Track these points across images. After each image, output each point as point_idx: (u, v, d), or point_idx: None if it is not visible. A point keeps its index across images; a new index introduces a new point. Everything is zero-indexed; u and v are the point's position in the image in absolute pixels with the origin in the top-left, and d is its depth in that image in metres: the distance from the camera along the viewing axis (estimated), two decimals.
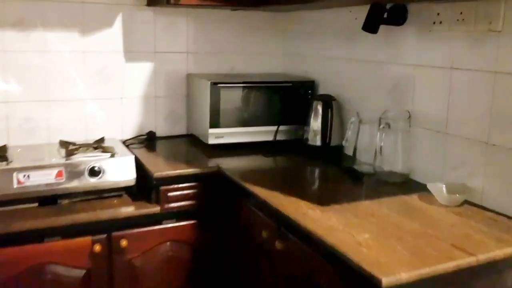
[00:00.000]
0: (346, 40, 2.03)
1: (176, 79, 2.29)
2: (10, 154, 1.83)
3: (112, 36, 2.13)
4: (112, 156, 1.89)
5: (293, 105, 2.18)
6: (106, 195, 1.85)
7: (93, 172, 1.81)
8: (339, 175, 1.78)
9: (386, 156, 1.64)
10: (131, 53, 2.18)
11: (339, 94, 2.07)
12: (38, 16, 1.99)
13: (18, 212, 1.68)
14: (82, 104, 2.13)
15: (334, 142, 2.02)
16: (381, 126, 1.61)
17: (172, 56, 2.27)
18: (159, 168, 1.82)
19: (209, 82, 2.02)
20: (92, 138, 2.10)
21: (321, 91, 2.20)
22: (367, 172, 1.73)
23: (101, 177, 1.82)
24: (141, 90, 2.24)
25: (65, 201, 1.79)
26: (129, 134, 2.23)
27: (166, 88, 2.28)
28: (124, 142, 2.15)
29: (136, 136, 2.23)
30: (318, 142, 2.03)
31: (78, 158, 1.82)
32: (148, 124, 2.27)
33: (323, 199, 1.50)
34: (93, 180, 1.80)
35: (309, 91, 2.20)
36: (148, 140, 2.21)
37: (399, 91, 1.74)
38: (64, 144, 1.99)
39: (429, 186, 1.51)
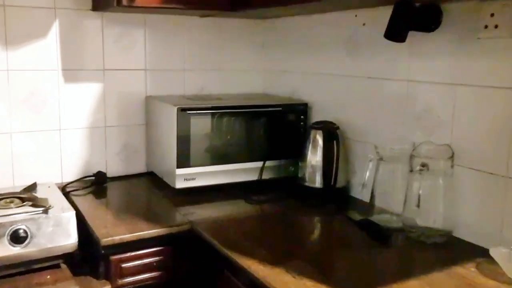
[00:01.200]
0: (347, 51, 1.61)
1: (131, 104, 1.79)
2: None
3: (46, 50, 1.63)
4: (46, 211, 1.37)
5: (282, 135, 1.73)
6: (37, 266, 1.33)
7: (17, 238, 1.29)
8: (353, 231, 1.34)
9: (422, 207, 1.21)
10: (71, 72, 1.68)
11: (340, 120, 1.63)
12: None
13: None
14: (7, 138, 1.60)
15: (339, 183, 1.57)
16: (417, 168, 1.18)
17: (126, 75, 1.78)
18: (109, 229, 1.32)
19: (176, 108, 1.54)
20: (21, 183, 1.57)
21: (316, 116, 1.76)
22: (393, 227, 1.29)
23: (28, 243, 1.30)
24: (86, 119, 1.73)
25: None
26: (71, 176, 1.71)
27: (119, 115, 1.78)
28: (63, 188, 1.63)
29: (81, 178, 1.71)
30: (318, 183, 1.58)
31: None
32: (96, 162, 1.76)
33: (336, 271, 1.06)
34: (16, 249, 1.28)
35: (301, 117, 1.76)
36: (97, 184, 1.70)
37: (431, 118, 1.32)
38: None
39: (492, 252, 1.08)
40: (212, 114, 1.61)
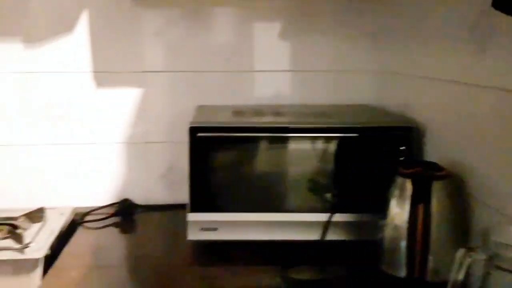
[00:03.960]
0: (476, 45, 0.89)
1: (179, 115, 1.39)
2: None
3: (74, 49, 1.35)
4: (20, 250, 1.09)
5: (362, 175, 1.10)
6: None
7: None
8: None
9: None
10: (104, 74, 1.37)
11: (461, 163, 0.93)
12: None
13: None
14: (27, 151, 1.38)
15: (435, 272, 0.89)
16: None
17: (173, 78, 1.39)
18: None
19: (188, 127, 1.08)
20: (40, 203, 1.32)
21: (431, 149, 1.08)
22: None
23: None
24: (122, 132, 1.40)
25: None
26: (103, 199, 1.41)
27: (164, 128, 1.41)
28: (84, 215, 1.34)
29: (109, 205, 1.40)
30: (399, 267, 0.93)
31: None
32: (132, 186, 1.43)
33: None
34: None
35: (400, 148, 1.10)
36: (122, 214, 1.36)
37: None
38: None
39: None
40: (247, 139, 1.09)
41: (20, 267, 1.05)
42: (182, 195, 1.38)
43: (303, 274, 1.01)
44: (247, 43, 1.37)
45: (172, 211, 1.39)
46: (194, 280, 1.02)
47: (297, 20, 1.38)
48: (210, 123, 1.11)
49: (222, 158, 1.11)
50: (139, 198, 1.41)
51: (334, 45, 1.39)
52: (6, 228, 1.20)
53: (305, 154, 1.11)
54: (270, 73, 1.39)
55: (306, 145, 1.11)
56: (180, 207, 1.38)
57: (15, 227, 1.20)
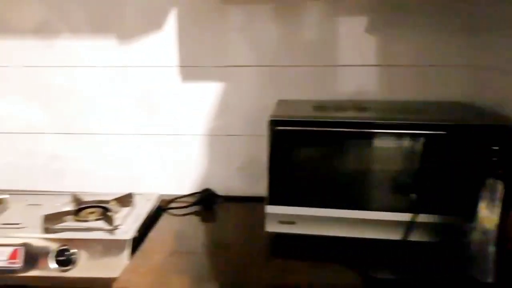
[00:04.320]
0: None
1: (260, 108, 1.41)
2: None
3: (162, 45, 1.41)
4: (111, 232, 1.17)
5: (452, 175, 1.04)
6: None
7: (60, 260, 1.12)
8: None
9: None
10: (189, 69, 1.42)
11: None
12: (63, 18, 1.42)
13: None
14: (119, 140, 1.48)
15: None
16: None
17: (254, 73, 1.41)
18: (133, 275, 1.01)
19: (269, 120, 1.09)
20: (127, 189, 1.41)
21: None
22: None
23: (70, 269, 1.12)
24: (204, 124, 1.45)
25: None
26: (183, 188, 1.48)
27: (245, 122, 1.43)
28: (168, 202, 1.40)
29: (191, 194, 1.45)
30: (488, 273, 0.87)
31: (62, 228, 1.18)
32: (213, 177, 1.47)
33: None
34: (59, 273, 1.12)
35: (494, 148, 1.03)
36: (203, 204, 1.41)
37: None
38: (75, 199, 1.37)
39: None
40: (327, 134, 1.08)
41: (111, 247, 1.12)
42: (261, 188, 1.41)
43: (385, 274, 0.99)
44: (332, 38, 1.35)
45: (251, 203, 1.41)
46: (270, 272, 1.03)
47: (385, 13, 1.33)
48: (290, 117, 1.11)
49: (302, 152, 1.11)
50: (219, 188, 1.45)
51: (423, 39, 1.33)
52: (99, 210, 1.29)
53: (389, 152, 1.08)
54: (354, 67, 1.36)
55: (390, 142, 1.07)
56: (258, 200, 1.39)
57: (106, 210, 1.29)
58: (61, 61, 1.45)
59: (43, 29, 1.44)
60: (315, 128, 1.08)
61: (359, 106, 1.24)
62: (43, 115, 1.48)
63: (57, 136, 1.49)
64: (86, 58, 1.44)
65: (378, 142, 1.08)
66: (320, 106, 1.24)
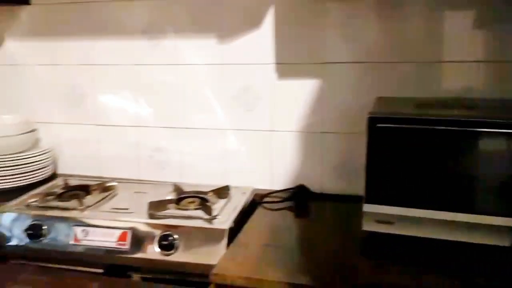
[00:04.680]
0: None
1: (358, 106, 1.39)
2: (91, 197, 1.41)
3: (259, 43, 1.45)
4: (209, 221, 1.23)
5: None
6: (190, 279, 1.20)
7: (164, 245, 1.20)
8: None
9: None
10: (286, 66, 1.44)
11: None
12: (168, 19, 1.51)
13: (73, 277, 1.22)
14: (221, 136, 1.53)
15: None
16: None
17: (350, 69, 1.39)
18: (231, 264, 1.05)
19: (367, 117, 1.07)
20: (223, 182, 1.47)
21: None
22: None
23: (172, 253, 1.19)
24: (299, 121, 1.46)
25: (136, 276, 1.25)
26: (277, 184, 1.50)
27: (341, 120, 1.42)
28: (263, 196, 1.44)
29: (284, 190, 1.47)
30: None
31: (165, 216, 1.26)
32: (306, 173, 1.48)
33: None
34: (162, 257, 1.19)
35: None
36: (296, 200, 1.42)
37: None
38: (177, 189, 1.45)
39: None
40: (430, 132, 1.04)
41: (209, 235, 1.17)
42: (356, 187, 1.39)
43: (490, 282, 0.93)
44: (436, 33, 1.30)
45: (345, 202, 1.40)
46: (364, 271, 1.01)
47: (494, 7, 1.25)
48: (391, 114, 1.08)
49: (401, 151, 1.07)
50: (312, 185, 1.46)
51: None
52: (198, 200, 1.36)
53: (497, 152, 1.01)
54: (461, 64, 1.29)
55: (499, 142, 1.01)
56: (352, 199, 1.39)
57: (205, 200, 1.35)
58: (166, 60, 1.54)
59: (150, 30, 1.54)
60: (418, 126, 1.05)
61: (466, 104, 1.17)
62: (149, 109, 1.59)
63: (161, 130, 1.59)
64: (188, 56, 1.52)
65: (485, 142, 1.02)
66: (423, 103, 1.19)
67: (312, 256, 1.10)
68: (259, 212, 1.35)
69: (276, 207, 1.38)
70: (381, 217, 1.09)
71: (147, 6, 1.52)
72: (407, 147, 1.07)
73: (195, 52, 1.51)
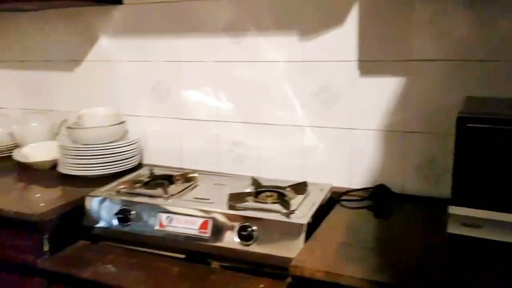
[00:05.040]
0: None
1: (444, 106, 1.35)
2: (174, 186, 1.48)
3: (342, 39, 1.44)
4: (287, 215, 1.25)
5: None
6: (267, 270, 1.23)
7: (243, 235, 1.23)
8: None
9: None
10: (368, 63, 1.42)
11: None
12: (250, 17, 1.55)
13: (156, 260, 1.30)
14: (299, 133, 1.55)
15: None
16: None
17: (439, 68, 1.34)
18: (310, 258, 1.05)
19: (457, 117, 1.03)
20: (301, 179, 1.47)
21: None
22: None
23: (251, 244, 1.22)
24: (381, 120, 1.44)
25: (215, 264, 1.29)
26: (354, 183, 1.49)
27: (425, 119, 1.38)
28: (341, 194, 1.43)
29: (363, 189, 1.45)
30: None
31: (245, 207, 1.30)
32: (386, 173, 1.45)
33: None
34: (241, 246, 1.23)
35: None
36: (375, 199, 1.40)
37: None
38: (255, 182, 1.48)
39: None
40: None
41: (287, 229, 1.19)
42: (439, 189, 1.35)
43: None
44: None
45: (427, 203, 1.35)
46: (447, 274, 0.98)
47: None
48: (482, 114, 1.04)
49: (491, 152, 1.02)
50: (393, 185, 1.42)
51: None
52: (275, 194, 1.38)
53: None
54: None
55: None
56: (435, 201, 1.34)
57: (283, 195, 1.37)
58: (247, 57, 1.58)
59: (232, 28, 1.58)
60: (510, 127, 0.99)
61: None
62: (229, 105, 1.64)
63: (240, 125, 1.63)
64: (269, 53, 1.54)
65: None
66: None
67: (392, 256, 1.08)
68: (337, 210, 1.35)
69: (354, 206, 1.37)
70: (468, 220, 1.05)
71: (230, 5, 1.56)
72: (497, 148, 1.02)
73: (276, 49, 1.53)
